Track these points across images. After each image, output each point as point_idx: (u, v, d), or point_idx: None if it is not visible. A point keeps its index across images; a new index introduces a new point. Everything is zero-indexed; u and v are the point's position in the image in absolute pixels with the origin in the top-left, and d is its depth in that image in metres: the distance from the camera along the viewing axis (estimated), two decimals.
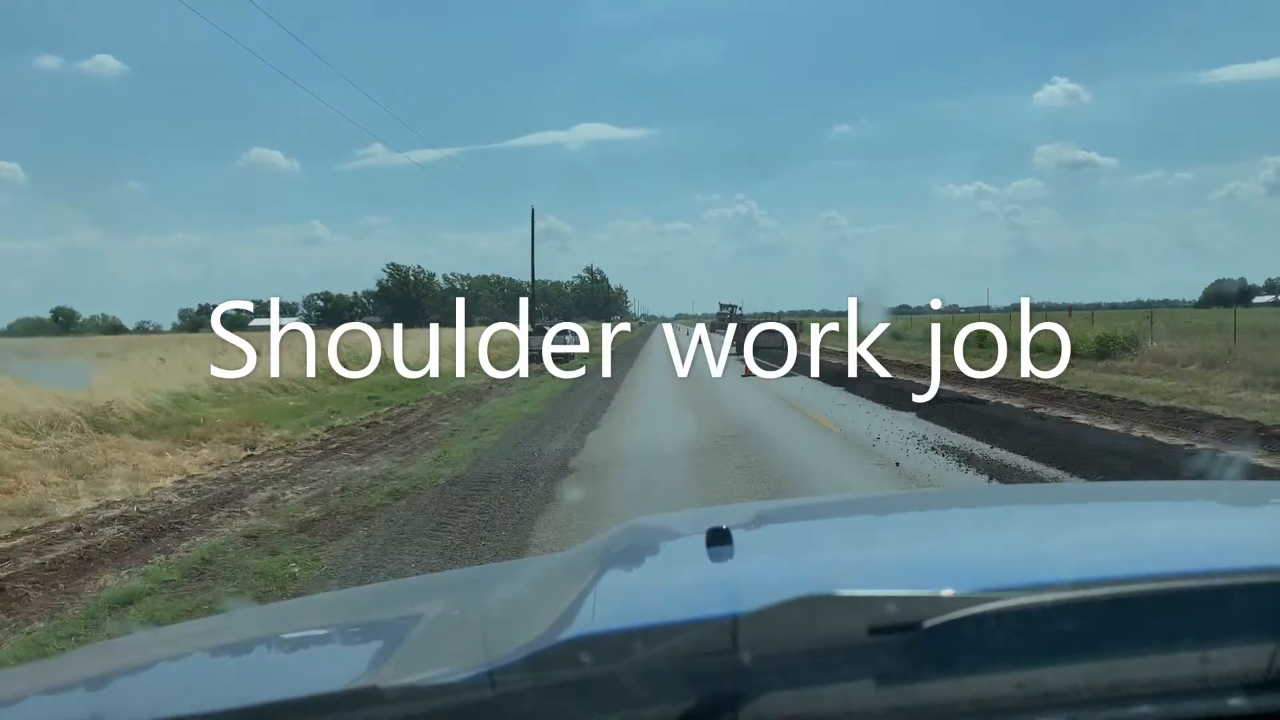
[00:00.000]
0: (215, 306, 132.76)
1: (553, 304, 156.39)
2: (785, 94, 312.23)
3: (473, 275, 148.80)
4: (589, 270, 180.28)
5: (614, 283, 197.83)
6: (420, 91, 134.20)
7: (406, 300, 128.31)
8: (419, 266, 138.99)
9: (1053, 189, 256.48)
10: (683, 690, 0.81)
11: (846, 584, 0.88)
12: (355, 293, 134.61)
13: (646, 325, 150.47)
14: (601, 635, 0.88)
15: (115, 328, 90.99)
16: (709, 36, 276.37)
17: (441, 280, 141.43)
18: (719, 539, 1.13)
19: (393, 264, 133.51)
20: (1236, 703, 0.83)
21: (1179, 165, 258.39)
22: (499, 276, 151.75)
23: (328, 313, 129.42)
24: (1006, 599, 0.84)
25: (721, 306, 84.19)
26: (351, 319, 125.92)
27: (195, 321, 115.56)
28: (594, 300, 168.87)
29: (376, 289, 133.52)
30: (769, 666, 0.82)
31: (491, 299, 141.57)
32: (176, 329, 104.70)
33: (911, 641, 0.82)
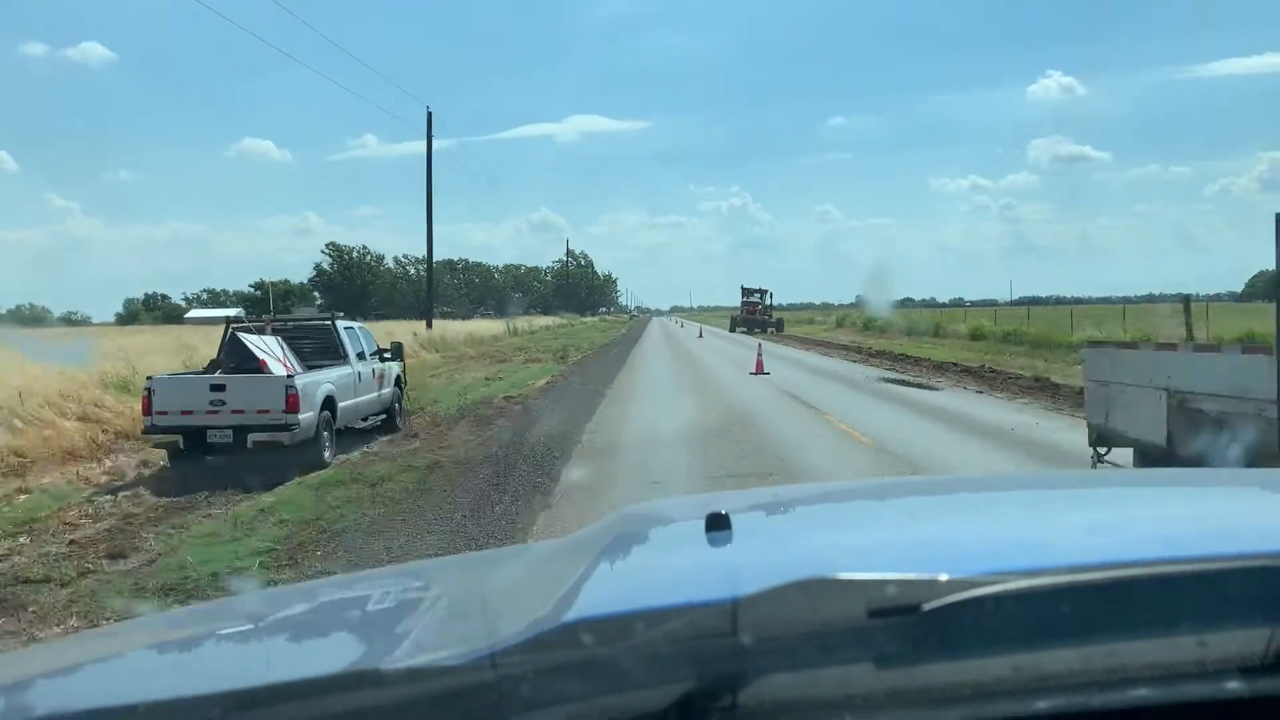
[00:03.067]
0: (164, 297, 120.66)
1: (526, 293, 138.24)
2: (779, 86, 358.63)
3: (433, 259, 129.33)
4: (570, 253, 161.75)
5: (601, 268, 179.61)
6: (412, 82, 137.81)
7: (350, 287, 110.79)
8: (364, 246, 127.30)
9: (1047, 183, 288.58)
10: (682, 672, 0.87)
11: (846, 567, 0.93)
12: (305, 280, 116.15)
13: (641, 318, 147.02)
14: (602, 618, 0.94)
15: (38, 318, 79.52)
16: (702, 28, 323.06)
17: (392, 263, 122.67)
18: (718, 524, 1.19)
19: (332, 243, 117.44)
20: (1233, 686, 0.89)
21: (1173, 159, 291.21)
22: (467, 261, 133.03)
23: (258, 304, 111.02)
24: (1005, 582, 0.90)
25: (746, 294, 63.03)
26: (285, 311, 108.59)
27: (133, 312, 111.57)
28: (575, 288, 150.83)
29: (314, 273, 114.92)
30: (768, 649, 0.88)
31: (453, 287, 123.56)
32: (120, 319, 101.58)
33: (910, 624, 0.88)
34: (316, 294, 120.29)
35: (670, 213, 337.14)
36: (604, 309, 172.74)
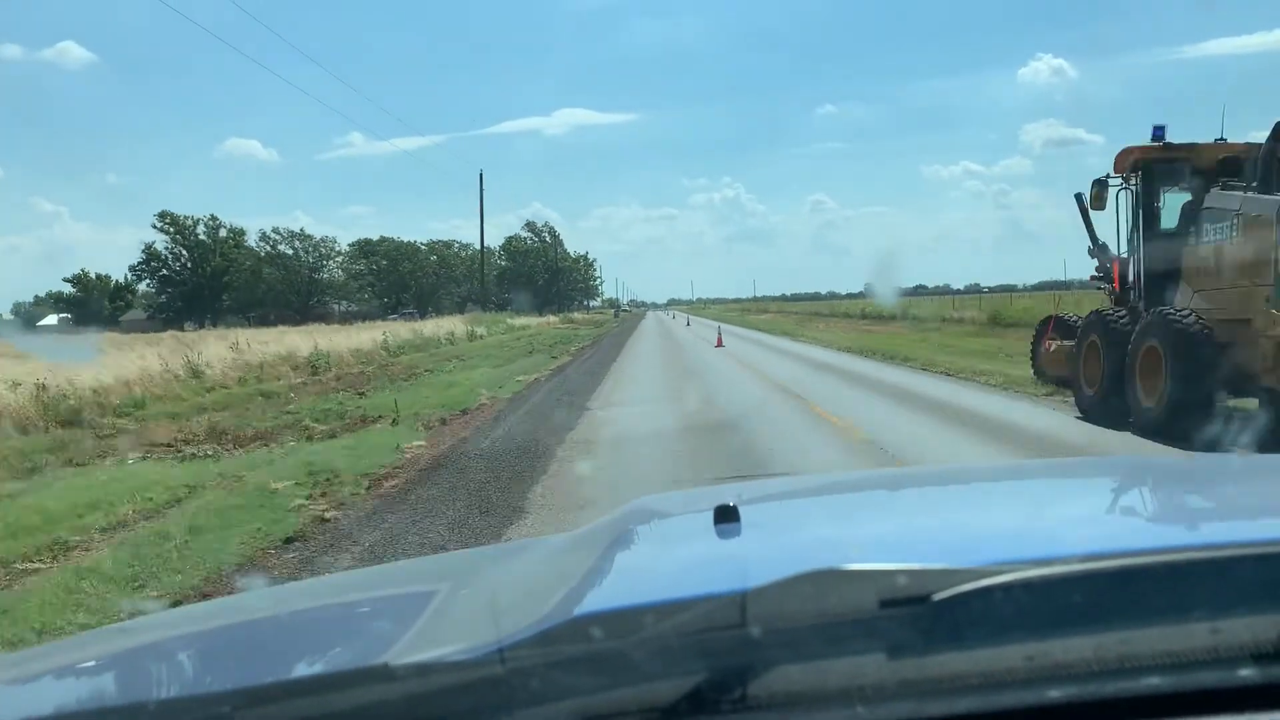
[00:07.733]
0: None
1: (463, 283, 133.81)
2: (767, 75, 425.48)
3: (337, 240, 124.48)
4: (530, 226, 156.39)
5: (575, 249, 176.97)
6: (396, 78, 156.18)
7: (195, 278, 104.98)
8: (212, 216, 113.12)
9: (1040, 167, 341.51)
10: (692, 665, 1.10)
11: (855, 558, 1.18)
12: (131, 267, 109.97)
13: (632, 313, 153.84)
14: (611, 611, 1.18)
15: None
16: (687, 17, 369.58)
17: (255, 244, 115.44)
18: (726, 516, 1.45)
19: (166, 212, 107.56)
20: (1246, 673, 1.11)
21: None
22: (387, 238, 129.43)
23: (76, 306, 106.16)
24: (1016, 572, 1.13)
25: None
26: (115, 315, 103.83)
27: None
28: (533, 274, 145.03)
29: (142, 257, 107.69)
30: (778, 640, 1.11)
31: (353, 275, 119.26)
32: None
33: (921, 615, 1.11)
34: (123, 299, 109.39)
35: (663, 205, 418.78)
36: (579, 302, 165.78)
